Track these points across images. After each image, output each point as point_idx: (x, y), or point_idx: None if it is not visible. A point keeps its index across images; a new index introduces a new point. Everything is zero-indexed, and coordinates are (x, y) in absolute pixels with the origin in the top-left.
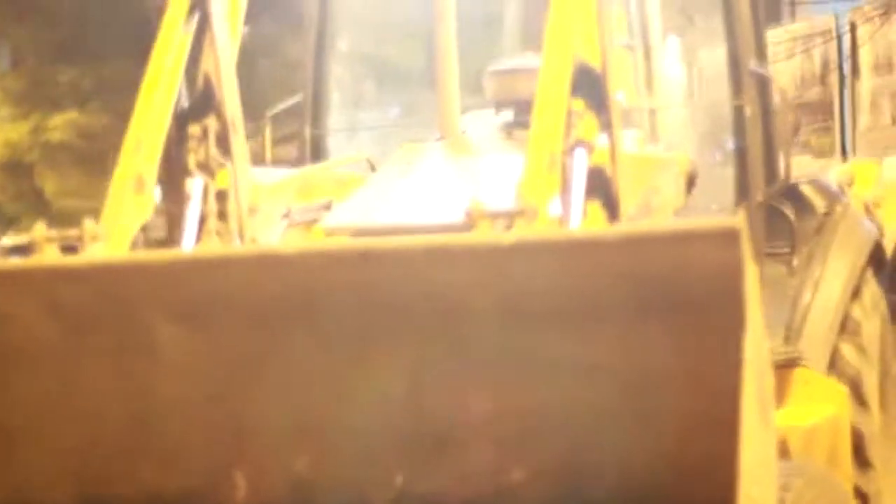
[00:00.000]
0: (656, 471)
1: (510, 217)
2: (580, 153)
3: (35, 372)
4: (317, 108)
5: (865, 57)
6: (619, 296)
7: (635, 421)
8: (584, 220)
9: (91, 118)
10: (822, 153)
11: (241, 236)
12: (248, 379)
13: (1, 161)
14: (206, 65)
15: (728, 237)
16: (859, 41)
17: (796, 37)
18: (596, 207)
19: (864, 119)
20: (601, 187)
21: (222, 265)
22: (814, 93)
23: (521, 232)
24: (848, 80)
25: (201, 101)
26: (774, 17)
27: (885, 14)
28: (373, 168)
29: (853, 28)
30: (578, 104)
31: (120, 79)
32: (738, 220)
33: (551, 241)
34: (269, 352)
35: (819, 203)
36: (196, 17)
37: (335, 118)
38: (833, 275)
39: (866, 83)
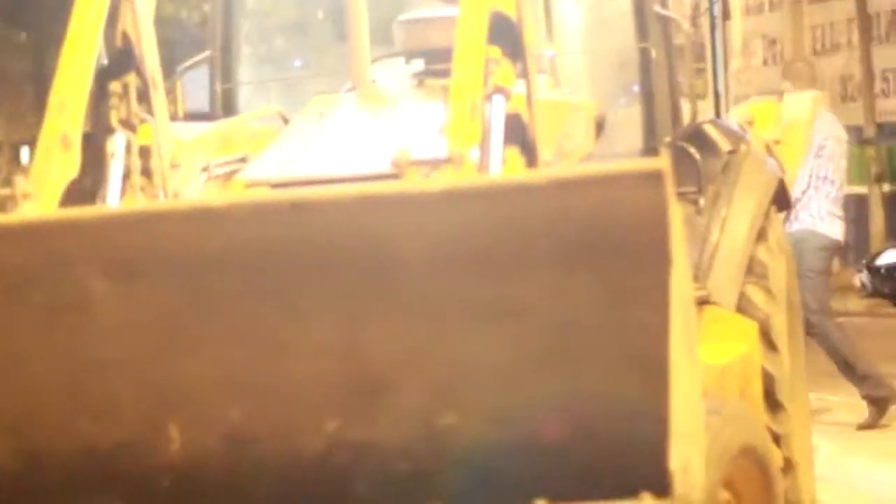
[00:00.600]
0: (588, 411)
1: (437, 165)
2: (498, 100)
3: None
4: (226, 62)
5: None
6: (549, 239)
7: (566, 363)
8: (503, 166)
9: None
10: (699, 96)
11: (164, 191)
12: (181, 332)
13: None
14: (124, 23)
15: (653, 178)
16: None
17: None
18: (514, 153)
19: (735, 61)
20: (518, 133)
21: (155, 220)
22: (685, 35)
23: (451, 179)
24: (719, 22)
25: (121, 59)
26: None
27: None
28: (285, 121)
29: None
30: (495, 52)
31: None
32: (662, 161)
33: (481, 187)
34: (203, 304)
35: (723, 143)
36: None
37: (244, 73)
38: (739, 214)
39: (737, 25)
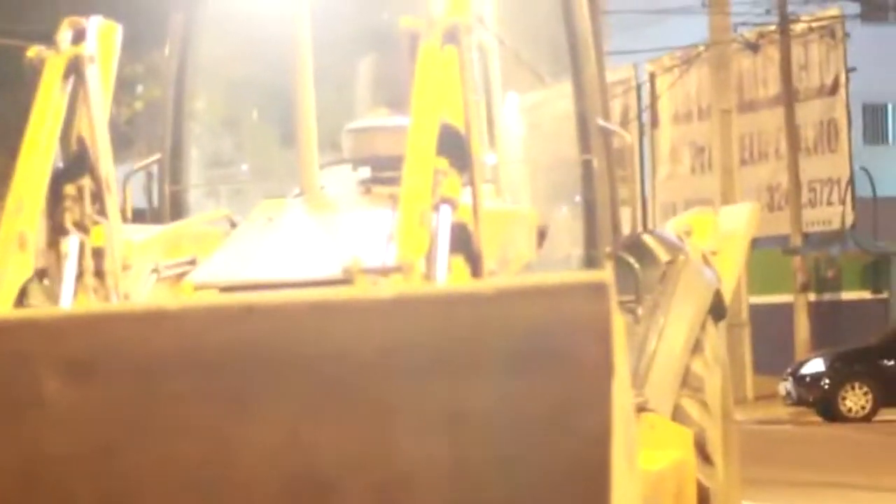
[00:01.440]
0: None
1: (387, 272)
2: (445, 210)
3: None
4: (174, 165)
5: (665, 107)
6: (495, 347)
7: (510, 469)
8: (449, 275)
9: None
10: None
11: (116, 292)
12: (133, 429)
13: None
14: (79, 127)
15: (597, 290)
16: (658, 91)
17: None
18: (459, 262)
19: (663, 168)
20: (464, 243)
21: (110, 321)
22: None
23: (401, 286)
24: (647, 130)
25: (76, 162)
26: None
27: (684, 65)
28: (233, 224)
29: (652, 78)
30: (442, 163)
31: None
32: (606, 273)
33: (430, 295)
34: (155, 406)
35: (662, 253)
36: (71, 80)
37: (193, 175)
38: (676, 325)
39: (665, 133)
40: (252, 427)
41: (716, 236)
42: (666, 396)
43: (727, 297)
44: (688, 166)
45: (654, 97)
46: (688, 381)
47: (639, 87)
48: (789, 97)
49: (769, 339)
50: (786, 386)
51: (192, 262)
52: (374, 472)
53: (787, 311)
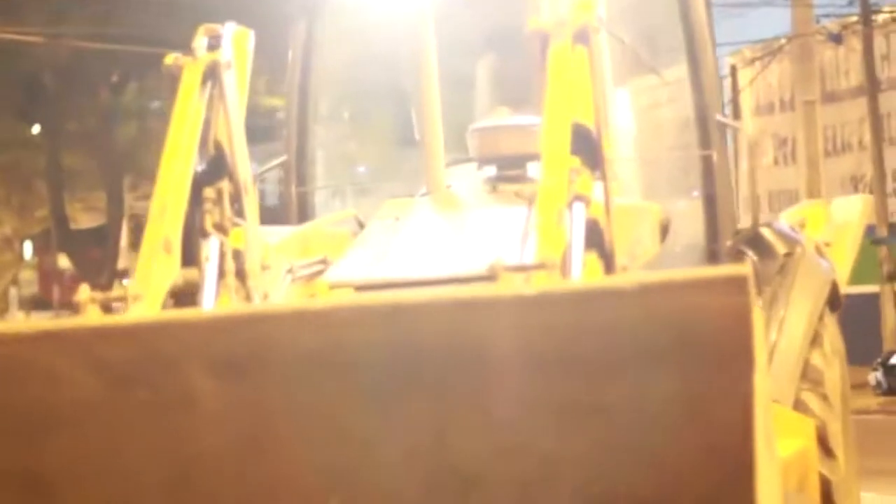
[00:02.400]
0: None
1: (530, 270)
2: (579, 208)
3: (77, 428)
4: (300, 167)
5: (746, 99)
6: (637, 341)
7: (651, 460)
8: (584, 271)
9: None
10: None
11: (255, 292)
12: (279, 428)
13: None
14: (216, 131)
15: (738, 283)
16: (740, 85)
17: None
18: (593, 258)
19: (745, 161)
20: (597, 239)
21: (260, 321)
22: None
23: (545, 283)
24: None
25: (214, 166)
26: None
27: (766, 58)
28: (360, 224)
29: (734, 71)
30: (575, 161)
31: None
32: (746, 268)
33: (575, 292)
34: (302, 404)
35: (779, 246)
36: (208, 86)
37: (318, 177)
38: (795, 317)
39: (747, 125)
40: (396, 424)
41: (829, 228)
42: (787, 388)
43: (842, 288)
44: (770, 158)
45: (735, 90)
46: (807, 374)
47: (720, 80)
48: (872, 87)
49: (857, 328)
50: (876, 376)
51: (324, 262)
52: (516, 467)
53: (873, 301)
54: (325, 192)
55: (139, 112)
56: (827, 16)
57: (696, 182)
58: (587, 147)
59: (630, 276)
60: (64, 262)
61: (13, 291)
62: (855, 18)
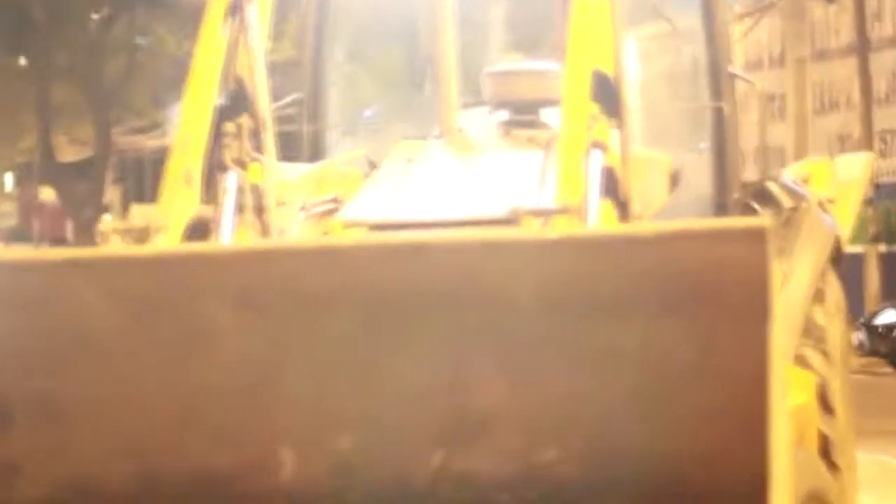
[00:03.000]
0: (685, 456)
1: (552, 214)
2: (596, 155)
3: (96, 356)
4: (313, 106)
5: (736, 56)
6: (654, 289)
7: (664, 407)
8: (599, 218)
9: None
10: None
11: (272, 228)
12: (297, 362)
13: None
14: (238, 66)
15: (757, 235)
16: None
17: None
18: (608, 205)
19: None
20: (612, 187)
21: (282, 257)
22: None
23: (566, 228)
24: None
25: (235, 101)
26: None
27: (756, 13)
28: (371, 164)
29: None
30: (593, 108)
31: None
32: (766, 219)
33: (595, 237)
34: (319, 338)
35: (785, 200)
36: (232, 21)
37: (331, 116)
38: (799, 272)
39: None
40: (412, 362)
41: (833, 185)
42: (788, 343)
43: (844, 245)
44: (756, 114)
45: None
46: (809, 331)
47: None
48: (863, 46)
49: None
50: (858, 336)
51: (336, 201)
52: (527, 409)
53: (858, 261)
54: (336, 131)
55: (128, 47)
56: None
57: (705, 133)
58: (606, 95)
59: (650, 224)
60: (46, 194)
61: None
62: None
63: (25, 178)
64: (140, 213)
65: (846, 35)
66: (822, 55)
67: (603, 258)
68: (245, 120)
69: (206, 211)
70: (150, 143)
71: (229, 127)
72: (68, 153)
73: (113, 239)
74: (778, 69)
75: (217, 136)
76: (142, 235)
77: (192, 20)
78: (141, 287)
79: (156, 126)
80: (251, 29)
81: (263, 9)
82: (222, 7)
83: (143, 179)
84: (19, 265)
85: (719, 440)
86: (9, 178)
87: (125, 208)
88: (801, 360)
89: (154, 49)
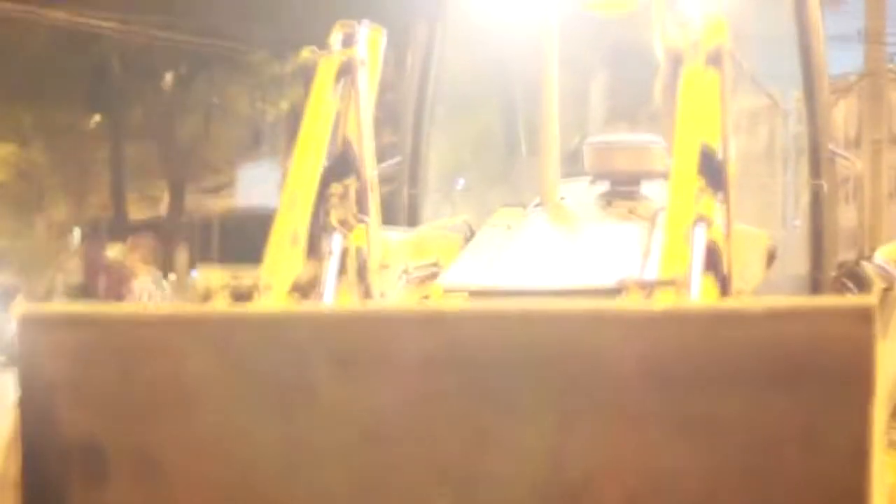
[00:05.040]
0: None
1: (658, 286)
2: (701, 228)
3: (196, 412)
4: (414, 170)
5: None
6: (758, 365)
7: (766, 483)
8: (700, 292)
9: (29, 158)
10: None
11: (373, 290)
12: (397, 423)
13: None
14: (345, 127)
15: (864, 315)
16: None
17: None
18: (710, 280)
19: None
20: (715, 261)
21: (383, 320)
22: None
23: (670, 301)
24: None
25: (342, 162)
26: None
27: (835, 94)
28: (471, 230)
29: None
30: (700, 182)
31: (58, 123)
32: (872, 299)
33: (701, 311)
34: (419, 401)
35: (878, 281)
36: (342, 84)
37: (430, 181)
38: (893, 353)
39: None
40: (512, 428)
41: None
42: (885, 423)
43: None
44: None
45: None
46: None
47: (786, 115)
48: None
49: None
50: None
51: (436, 265)
52: (626, 479)
53: None
54: (435, 196)
55: (204, 106)
56: None
57: (799, 210)
58: (712, 169)
59: (757, 300)
60: (114, 252)
61: (59, 278)
62: None
63: (93, 234)
64: (205, 275)
65: None
66: None
67: (709, 332)
68: (352, 182)
69: (309, 272)
70: (218, 203)
71: (336, 188)
72: (139, 211)
73: (219, 297)
74: (853, 150)
75: (323, 197)
76: (247, 294)
77: (267, 82)
78: (244, 345)
79: (224, 187)
80: (360, 90)
81: (373, 72)
82: (333, 69)
83: (211, 240)
84: (125, 319)
85: None
86: (77, 234)
87: (192, 268)
88: (891, 444)
89: (228, 109)
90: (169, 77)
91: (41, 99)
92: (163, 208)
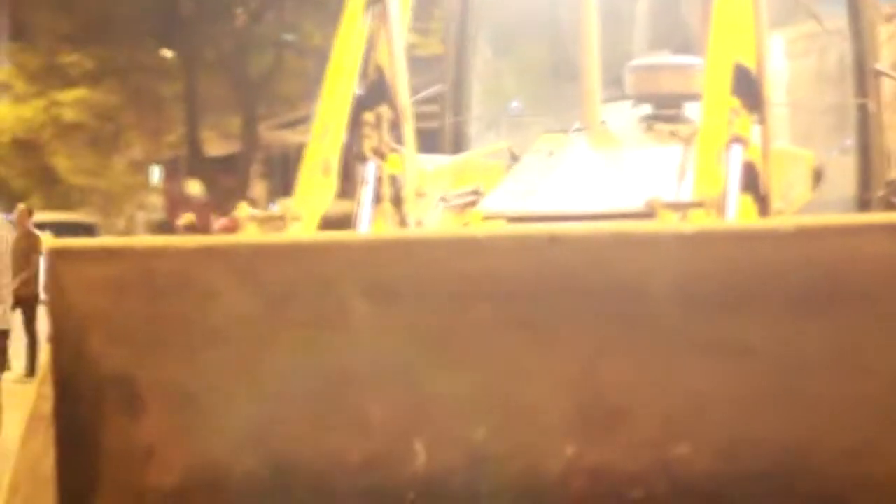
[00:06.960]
0: (821, 451)
1: (688, 207)
2: (737, 149)
3: (229, 343)
4: (457, 97)
5: (887, 55)
6: (790, 284)
7: (802, 404)
8: (738, 213)
9: (102, 98)
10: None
11: (409, 218)
12: (432, 352)
13: (13, 137)
14: (378, 56)
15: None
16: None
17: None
18: (748, 200)
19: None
20: (752, 181)
21: (417, 247)
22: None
23: (702, 222)
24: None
25: (375, 91)
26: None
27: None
28: (513, 156)
29: None
30: (735, 102)
31: (131, 61)
32: None
33: (732, 231)
34: (455, 328)
35: None
36: (372, 11)
37: (474, 108)
38: None
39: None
40: (547, 354)
41: None
42: None
43: None
44: None
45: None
46: None
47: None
48: None
49: None
50: None
51: (476, 193)
52: (663, 402)
53: None
54: (479, 123)
55: (275, 42)
56: None
57: (849, 131)
58: (747, 89)
59: (787, 218)
60: (192, 187)
61: (140, 215)
62: None
63: (172, 171)
64: (283, 208)
65: None
66: None
67: (739, 252)
68: (384, 110)
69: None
70: (295, 138)
71: (368, 117)
72: (215, 147)
73: (249, 227)
74: None
75: (356, 125)
76: (278, 224)
77: (338, 15)
78: (276, 275)
79: (301, 121)
80: (391, 19)
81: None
82: None
83: (289, 174)
84: (154, 252)
85: (857, 436)
86: (156, 172)
87: (270, 202)
88: None
89: (301, 44)
90: (240, 14)
91: (111, 39)
92: (238, 144)
